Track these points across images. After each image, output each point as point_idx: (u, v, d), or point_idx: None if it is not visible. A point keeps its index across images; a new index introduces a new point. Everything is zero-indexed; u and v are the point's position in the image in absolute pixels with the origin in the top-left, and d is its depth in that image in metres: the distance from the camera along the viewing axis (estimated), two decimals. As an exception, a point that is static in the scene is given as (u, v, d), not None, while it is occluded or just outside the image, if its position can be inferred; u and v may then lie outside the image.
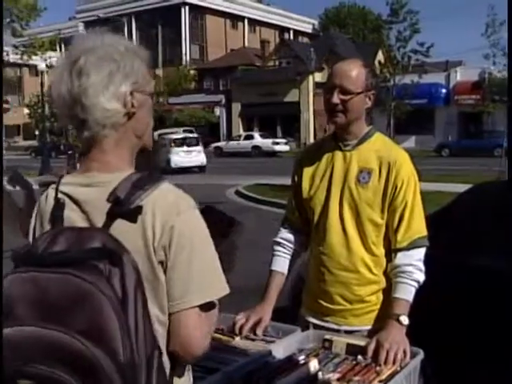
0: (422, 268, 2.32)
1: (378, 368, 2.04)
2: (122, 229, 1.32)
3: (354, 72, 2.33)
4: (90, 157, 1.41)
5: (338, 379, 1.95)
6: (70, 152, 24.21)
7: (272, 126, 44.83)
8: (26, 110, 52.95)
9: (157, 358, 1.28)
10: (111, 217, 1.32)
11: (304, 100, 42.27)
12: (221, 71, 49.27)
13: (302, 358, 2.07)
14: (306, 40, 61.28)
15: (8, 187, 2.57)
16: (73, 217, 1.38)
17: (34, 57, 22.96)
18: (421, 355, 2.12)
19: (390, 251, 2.37)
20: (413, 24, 20.96)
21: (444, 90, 39.72)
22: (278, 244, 2.58)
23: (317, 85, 40.53)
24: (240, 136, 40.60)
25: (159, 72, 56.03)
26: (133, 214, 1.31)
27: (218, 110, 49.17)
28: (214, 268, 1.38)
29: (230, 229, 1.75)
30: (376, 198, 2.35)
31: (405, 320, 2.23)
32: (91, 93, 1.35)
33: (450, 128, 38.08)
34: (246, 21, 61.91)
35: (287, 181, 2.89)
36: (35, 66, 32.29)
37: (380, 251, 2.39)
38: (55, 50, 26.43)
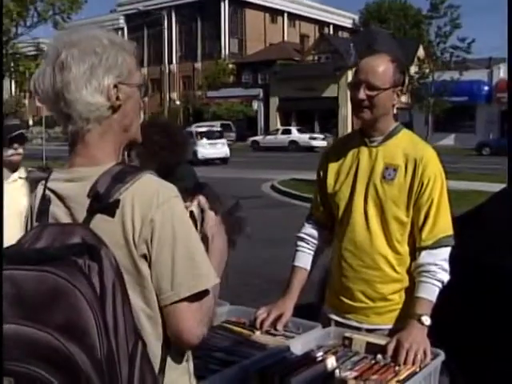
0: (447, 268, 2.28)
1: (396, 368, 2.01)
2: (102, 223, 1.31)
3: (380, 67, 2.30)
4: (75, 151, 1.41)
5: (355, 378, 1.92)
6: None
7: (310, 120, 44.66)
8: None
9: (140, 351, 1.27)
10: (91, 212, 1.32)
11: (342, 95, 41.90)
12: (259, 65, 49.25)
13: (319, 354, 2.05)
14: (346, 35, 60.79)
15: None
16: (57, 212, 1.39)
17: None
18: (441, 356, 2.08)
19: (415, 250, 2.33)
20: (453, 19, 20.57)
21: (486, 88, 38.93)
22: (302, 239, 2.57)
23: (356, 80, 40.07)
24: (277, 130, 40.57)
25: (198, 66, 56.40)
26: (111, 209, 1.31)
27: (255, 104, 49.18)
28: (199, 258, 1.36)
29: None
30: (401, 195, 2.31)
31: (426, 320, 2.19)
32: (73, 87, 1.33)
33: (491, 126, 37.32)
34: (285, 15, 61.61)
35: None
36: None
37: (404, 249, 2.35)
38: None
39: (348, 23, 67.43)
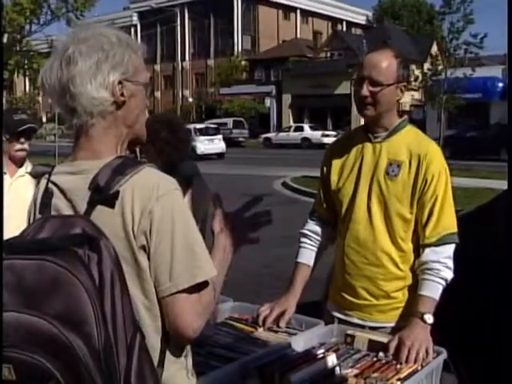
0: (451, 266, 2.25)
1: (398, 366, 2.00)
2: (102, 215, 1.33)
3: (384, 63, 2.27)
4: (79, 145, 1.44)
5: (356, 375, 1.92)
6: None
7: (322, 118, 44.50)
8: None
9: (138, 342, 1.28)
10: (91, 204, 1.35)
11: (355, 92, 41.74)
12: (272, 62, 49.13)
13: (320, 352, 2.04)
14: (359, 32, 60.48)
15: None
16: (59, 205, 1.41)
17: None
18: (444, 355, 2.06)
19: (419, 247, 2.31)
20: (466, 15, 20.35)
21: (501, 84, 38.46)
22: (305, 236, 2.56)
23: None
24: (290, 127, 40.46)
25: (211, 63, 56.38)
26: (111, 200, 1.33)
27: (268, 101, 49.09)
28: (198, 250, 1.37)
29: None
30: (405, 192, 2.29)
31: (429, 318, 2.17)
32: (79, 81, 1.36)
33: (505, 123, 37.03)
34: (298, 12, 61.40)
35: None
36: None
37: (408, 247, 2.33)
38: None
39: (361, 20, 67.12)
